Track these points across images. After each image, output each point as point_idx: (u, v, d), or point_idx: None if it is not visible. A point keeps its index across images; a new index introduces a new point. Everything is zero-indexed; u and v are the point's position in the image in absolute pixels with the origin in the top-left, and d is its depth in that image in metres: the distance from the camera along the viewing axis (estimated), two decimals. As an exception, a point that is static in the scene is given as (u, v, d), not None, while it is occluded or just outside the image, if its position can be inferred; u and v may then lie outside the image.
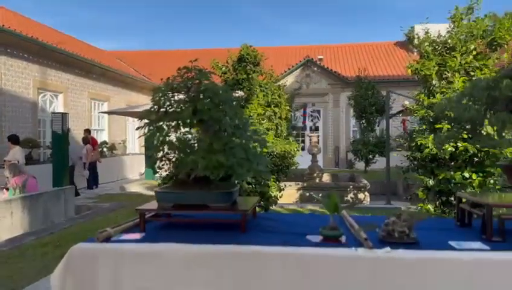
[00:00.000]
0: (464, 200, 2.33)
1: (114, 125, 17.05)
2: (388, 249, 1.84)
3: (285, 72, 18.85)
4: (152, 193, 9.43)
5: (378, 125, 15.63)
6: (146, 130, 2.21)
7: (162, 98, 2.10)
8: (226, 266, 1.92)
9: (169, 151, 2.21)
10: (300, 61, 19.53)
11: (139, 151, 18.70)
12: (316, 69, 19.81)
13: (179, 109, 2.14)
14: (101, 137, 16.13)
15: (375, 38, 44.85)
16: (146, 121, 2.19)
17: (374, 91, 14.39)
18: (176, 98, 2.13)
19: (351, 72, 20.04)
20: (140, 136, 2.24)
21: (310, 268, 1.85)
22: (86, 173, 11.95)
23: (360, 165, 15.72)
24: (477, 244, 1.92)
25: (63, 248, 5.18)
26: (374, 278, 1.80)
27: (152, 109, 2.18)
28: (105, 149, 15.36)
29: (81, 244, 2.07)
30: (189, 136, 2.27)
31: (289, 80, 17.48)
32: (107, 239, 2.10)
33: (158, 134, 2.14)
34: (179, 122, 2.08)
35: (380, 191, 10.93)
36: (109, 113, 13.92)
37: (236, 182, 2.44)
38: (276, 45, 25.91)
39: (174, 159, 2.31)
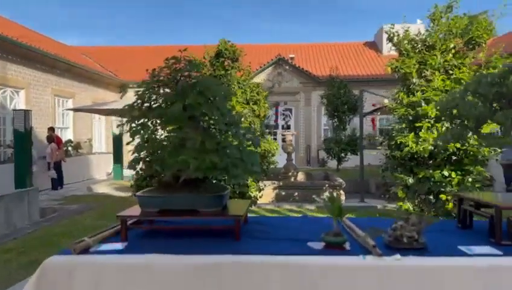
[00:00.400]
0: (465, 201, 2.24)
1: (79, 123, 16.36)
2: (398, 256, 1.71)
3: (257, 70, 18.70)
4: (122, 194, 9.07)
5: (348, 124, 15.74)
6: (128, 128, 1.99)
7: (147, 92, 1.88)
8: (223, 278, 1.73)
9: (154, 151, 2.00)
10: (272, 60, 19.44)
11: (106, 150, 18.08)
12: (287, 67, 19.78)
13: (165, 104, 1.94)
14: (66, 135, 15.45)
15: (343, 39, 45.42)
16: (128, 117, 1.96)
17: (346, 90, 14.47)
18: (162, 92, 1.91)
19: (322, 71, 20.16)
20: (124, 133, 2.01)
21: (315, 279, 1.69)
22: (53, 173, 11.38)
23: (332, 163, 15.80)
24: (487, 249, 1.82)
25: (28, 254, 4.81)
26: (384, 288, 1.66)
27: (135, 104, 1.95)
28: (70, 148, 14.71)
29: (56, 257, 1.82)
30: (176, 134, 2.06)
31: (261, 78, 17.35)
32: (85, 250, 1.86)
33: (142, 132, 1.92)
34: (167, 119, 1.86)
35: (353, 190, 10.96)
36: (75, 110, 13.32)
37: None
38: (246, 43, 25.73)
39: (155, 159, 2.10)
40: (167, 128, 1.92)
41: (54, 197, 9.93)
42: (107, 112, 12.12)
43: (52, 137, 11.64)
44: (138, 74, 22.01)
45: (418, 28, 5.71)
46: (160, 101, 1.92)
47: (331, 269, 1.70)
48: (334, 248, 1.84)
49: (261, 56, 21.55)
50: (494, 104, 1.94)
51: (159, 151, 2.01)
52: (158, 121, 1.91)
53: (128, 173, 14.62)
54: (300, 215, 6.90)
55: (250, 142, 2.05)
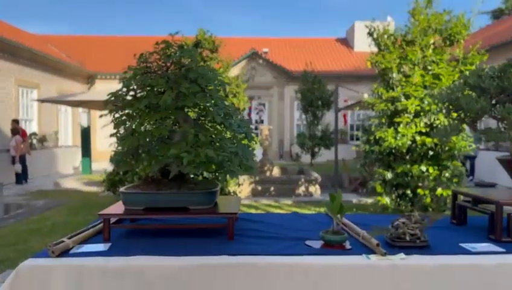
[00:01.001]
0: (460, 197, 2.20)
1: (45, 115, 15.69)
2: (402, 255, 1.64)
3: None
4: (92, 189, 8.75)
5: (321, 119, 15.83)
6: (112, 118, 1.82)
7: (135, 80, 1.72)
8: (217, 281, 1.61)
9: (140, 144, 1.84)
10: (246, 54, 19.28)
11: (73, 144, 17.46)
12: (261, 61, 19.69)
13: (153, 93, 1.78)
14: (30, 128, 14.78)
15: (315, 35, 45.75)
16: (112, 107, 1.80)
17: (320, 85, 14.52)
18: (150, 79, 1.76)
19: (295, 66, 20.18)
20: (105, 125, 1.85)
21: (317, 280, 1.59)
22: (18, 167, 10.85)
23: (305, 158, 15.87)
24: (489, 246, 1.78)
25: (-8, 254, 4.52)
26: (389, 288, 1.59)
27: (120, 92, 1.79)
28: (35, 141, 14.09)
29: (32, 260, 1.64)
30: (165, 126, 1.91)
31: (234, 72, 17.17)
32: (64, 252, 1.69)
33: (128, 123, 1.77)
34: (157, 109, 1.71)
35: (326, 184, 11.01)
36: (43, 101, 12.72)
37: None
38: (219, 36, 25.40)
39: (142, 153, 1.95)
40: (155, 120, 1.76)
41: (19, 192, 9.46)
42: (76, 103, 11.65)
43: (17, 129, 11.10)
44: (106, 65, 21.42)
45: (387, 25, 5.72)
46: (148, 89, 1.76)
47: (333, 269, 1.61)
48: (333, 247, 1.75)
49: (234, 50, 21.33)
50: (490, 97, 1.90)
51: (140, 144, 1.86)
52: (146, 112, 1.75)
53: (97, 167, 14.17)
54: (289, 212, 6.83)
55: (244, 135, 1.93)
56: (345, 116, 20.06)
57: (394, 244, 1.73)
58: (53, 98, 13.21)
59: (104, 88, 16.33)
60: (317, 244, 1.79)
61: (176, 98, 1.70)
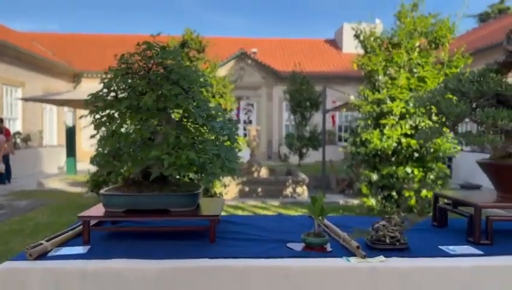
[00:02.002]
0: (441, 199, 2.23)
1: (29, 114, 15.47)
2: (382, 257, 1.65)
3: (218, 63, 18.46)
4: (76, 190, 8.64)
5: (309, 120, 15.90)
6: (92, 119, 1.80)
7: (115, 80, 1.70)
8: (199, 284, 1.60)
9: (121, 145, 1.82)
10: (235, 54, 19.26)
11: (58, 143, 17.24)
12: (249, 62, 19.70)
13: (134, 94, 1.77)
14: (14, 127, 14.55)
15: (303, 36, 45.91)
16: (92, 108, 1.78)
17: (308, 86, 14.58)
18: (131, 80, 1.74)
19: (284, 66, 20.23)
20: (85, 126, 1.83)
21: (297, 282, 1.60)
22: (1, 167, 10.66)
23: (293, 159, 15.91)
24: (468, 249, 1.80)
25: (-29, 256, 4.42)
26: (368, 290, 1.60)
27: (101, 94, 1.77)
28: (18, 140, 13.88)
29: (9, 263, 1.61)
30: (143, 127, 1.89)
31: (222, 72, 17.13)
32: (43, 255, 1.66)
33: (108, 124, 1.75)
34: (137, 110, 1.70)
35: (313, 185, 11.06)
36: (27, 100, 12.54)
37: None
38: (207, 36, 25.32)
39: (122, 154, 1.93)
40: (136, 121, 1.75)
41: (1, 192, 9.31)
42: (61, 102, 11.51)
43: (1, 128, 10.91)
44: (92, 64, 21.21)
45: (374, 27, 5.77)
46: (129, 90, 1.75)
47: (313, 271, 1.62)
48: (314, 250, 1.76)
49: (222, 50, 21.31)
50: (469, 101, 1.93)
51: (121, 146, 1.84)
52: (127, 113, 1.74)
53: (82, 167, 14.01)
54: (275, 213, 6.84)
55: (227, 137, 1.92)
56: (333, 117, 20.16)
57: (374, 247, 1.74)
58: (38, 97, 13.04)
59: (90, 87, 16.18)
60: (298, 246, 1.80)
61: (157, 99, 1.69)
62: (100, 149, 1.90)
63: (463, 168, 11.88)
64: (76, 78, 19.47)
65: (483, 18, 28.04)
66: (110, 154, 1.89)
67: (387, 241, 1.74)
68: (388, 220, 1.78)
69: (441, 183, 5.21)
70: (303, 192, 9.00)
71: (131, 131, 1.83)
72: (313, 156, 15.43)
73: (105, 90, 1.76)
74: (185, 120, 1.95)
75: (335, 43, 25.01)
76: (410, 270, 1.62)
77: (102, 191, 1.93)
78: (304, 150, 14.73)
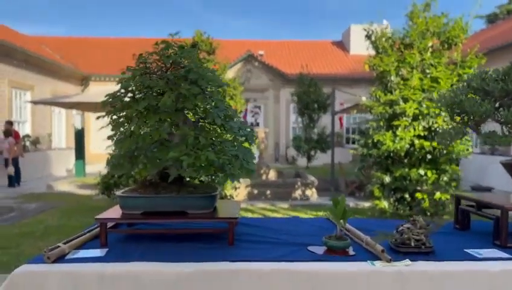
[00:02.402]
0: (463, 201, 2.17)
1: (38, 117, 15.55)
2: (408, 261, 1.60)
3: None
4: (86, 192, 8.64)
5: (317, 122, 15.82)
6: (110, 120, 1.78)
7: (134, 81, 1.67)
8: (219, 288, 1.56)
9: (138, 146, 1.79)
10: (242, 56, 19.25)
11: (66, 146, 17.32)
12: (256, 64, 19.67)
13: (152, 94, 1.73)
14: (23, 130, 14.64)
15: (309, 38, 45.89)
16: (110, 108, 1.75)
17: (316, 88, 14.52)
18: (149, 80, 1.71)
19: (291, 68, 20.19)
20: (102, 127, 1.80)
21: (320, 287, 1.55)
22: (11, 170, 10.74)
23: (301, 161, 15.84)
24: (495, 252, 1.75)
25: (-17, 258, 4.42)
26: (394, 296, 1.55)
27: (119, 94, 1.74)
28: (28, 143, 13.95)
29: (27, 266, 1.58)
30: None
31: (230, 75, 17.14)
32: (60, 258, 1.63)
33: (127, 125, 1.72)
34: (156, 111, 1.67)
35: (322, 188, 10.99)
36: (37, 103, 12.62)
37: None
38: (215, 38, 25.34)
39: (139, 156, 1.90)
40: (153, 122, 1.71)
41: (11, 195, 9.34)
42: (70, 105, 11.56)
43: (10, 131, 10.97)
44: (101, 67, 21.28)
45: (385, 27, 5.71)
46: (147, 91, 1.72)
47: (337, 275, 1.57)
48: (336, 253, 1.71)
49: (229, 52, 21.32)
50: (493, 100, 1.88)
51: (139, 146, 1.81)
52: (145, 114, 1.70)
53: (91, 170, 14.06)
54: (289, 216, 6.80)
55: (245, 138, 1.88)
56: (341, 119, 20.06)
57: (399, 250, 1.69)
58: (46, 99, 13.11)
59: (98, 90, 16.24)
60: (320, 250, 1.75)
61: (175, 99, 1.65)
62: (116, 150, 1.87)
63: (470, 170, 11.74)
64: (84, 81, 19.57)
65: (492, 19, 27.82)
66: (127, 155, 1.86)
67: (412, 244, 1.69)
68: (413, 222, 1.73)
69: (454, 185, 5.13)
70: (312, 194, 8.93)
71: (148, 132, 1.80)
72: (321, 159, 15.36)
73: (122, 90, 1.73)
74: (201, 121, 1.92)
75: (342, 45, 24.91)
76: (437, 275, 1.56)
77: (119, 192, 1.90)
78: (312, 153, 14.64)
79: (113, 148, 1.90)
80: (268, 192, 8.73)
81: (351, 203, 8.19)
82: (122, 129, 1.73)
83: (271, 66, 19.69)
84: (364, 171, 10.61)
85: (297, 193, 8.81)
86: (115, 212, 1.91)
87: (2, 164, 11.07)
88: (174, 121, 1.89)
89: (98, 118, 1.79)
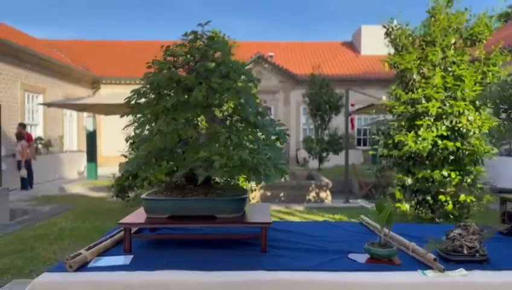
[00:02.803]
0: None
1: (50, 119, 15.59)
2: (463, 271, 1.46)
3: (237, 67, 18.34)
4: (98, 195, 8.54)
5: (329, 123, 15.62)
6: (134, 118, 1.66)
7: (161, 75, 1.55)
8: (255, 300, 1.43)
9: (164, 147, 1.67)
10: (252, 57, 19.13)
11: (78, 148, 17.35)
12: (266, 65, 19.53)
13: (179, 90, 1.61)
14: (36, 132, 14.68)
15: (316, 39, 45.62)
16: (135, 105, 1.63)
17: (328, 88, 14.33)
18: (177, 74, 1.59)
19: (301, 69, 20.04)
20: (126, 126, 1.68)
21: (367, 299, 1.41)
22: (24, 172, 10.73)
23: (312, 163, 15.65)
24: (554, 260, 1.59)
25: (-2, 262, 4.35)
26: (449, 309, 1.40)
27: (144, 90, 1.62)
28: (40, 146, 13.97)
29: (48, 274, 1.47)
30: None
31: (241, 76, 17.00)
32: (83, 266, 1.52)
33: (154, 123, 1.60)
34: (185, 107, 1.54)
35: (335, 189, 10.81)
36: (50, 105, 12.62)
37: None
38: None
39: (165, 156, 1.78)
40: (182, 119, 1.59)
41: (24, 197, 9.32)
42: (81, 107, 11.54)
43: (22, 134, 10.97)
44: (112, 70, 21.32)
45: (406, 24, 5.52)
46: (175, 86, 1.59)
47: (384, 287, 1.43)
48: (381, 262, 1.57)
49: (238, 54, 21.21)
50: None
51: (167, 146, 1.69)
52: (173, 111, 1.58)
53: (103, 172, 14.03)
54: (302, 219, 6.65)
55: (276, 137, 1.75)
56: (352, 120, 19.82)
57: (450, 259, 1.55)
58: (58, 102, 13.12)
59: (110, 93, 16.22)
60: (362, 258, 1.61)
61: (206, 94, 1.53)
62: (139, 150, 1.75)
63: (488, 171, 11.44)
64: (95, 84, 19.61)
65: (505, 19, 27.38)
66: (152, 154, 1.74)
67: (465, 252, 1.54)
68: (464, 228, 1.59)
69: (480, 187, 4.94)
70: (327, 197, 8.76)
71: (174, 129, 1.67)
72: (333, 160, 15.15)
73: (147, 86, 1.61)
74: (229, 118, 1.79)
75: (352, 46, 24.69)
76: (497, 286, 1.42)
77: (144, 195, 1.78)
78: (324, 154, 14.45)
79: (135, 148, 1.79)
80: (281, 194, 8.58)
81: (368, 205, 8.01)
82: (148, 127, 1.61)
83: (281, 68, 19.54)
84: (380, 172, 10.40)
85: (312, 195, 8.65)
86: (138, 216, 1.79)
87: (14, 166, 11.07)
88: (201, 118, 1.78)
89: (122, 116, 1.67)
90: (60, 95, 16.14)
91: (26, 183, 11.01)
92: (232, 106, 1.65)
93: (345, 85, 16.56)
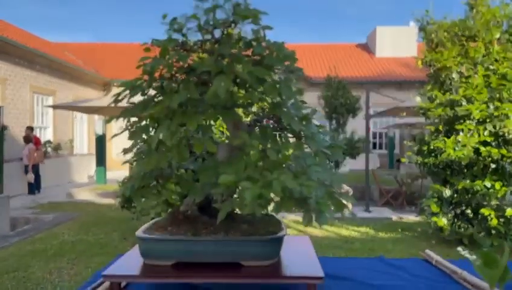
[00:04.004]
0: None
1: (60, 122, 15.29)
2: None
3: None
4: (106, 201, 8.08)
5: (345, 126, 15.04)
6: (127, 124, 1.17)
7: (165, 60, 1.05)
8: None
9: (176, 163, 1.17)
10: (265, 59, 18.68)
11: (88, 152, 17.05)
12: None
13: (193, 80, 1.11)
14: (45, 135, 14.38)
15: (329, 41, 45.04)
16: (129, 105, 1.14)
17: (344, 91, 13.77)
18: (187, 57, 1.10)
19: (315, 72, 19.52)
20: (115, 135, 1.20)
21: None
22: (31, 177, 10.39)
23: (328, 167, 15.08)
24: None
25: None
26: None
27: (139, 82, 1.13)
28: (49, 149, 13.66)
29: None
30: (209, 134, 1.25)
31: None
32: None
33: (154, 130, 1.10)
34: (201, 108, 1.04)
35: (354, 196, 10.22)
36: (58, 107, 12.31)
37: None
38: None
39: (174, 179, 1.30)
40: (195, 126, 1.08)
41: (29, 203, 8.93)
42: (91, 109, 11.18)
43: (30, 137, 10.64)
44: (123, 72, 21.09)
45: (445, 17, 4.98)
46: (185, 77, 1.09)
47: None
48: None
49: (252, 55, 20.73)
50: None
51: (172, 164, 1.20)
52: (180, 113, 1.08)
53: (112, 176, 13.66)
54: (325, 232, 6.07)
55: (331, 152, 1.24)
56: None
57: None
58: (66, 104, 12.80)
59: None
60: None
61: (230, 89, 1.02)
62: (134, 170, 1.26)
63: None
64: (106, 86, 19.32)
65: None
66: (152, 176, 1.25)
67: None
68: None
69: (532, 200, 4.37)
70: (348, 205, 8.19)
71: (181, 141, 1.17)
72: (348, 165, 14.56)
73: (145, 76, 1.12)
74: (258, 124, 1.29)
75: (367, 48, 24.05)
76: None
77: (138, 232, 1.28)
78: (340, 158, 13.87)
79: (134, 164, 1.30)
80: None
81: (393, 216, 7.42)
82: (145, 137, 1.11)
83: (295, 69, 19.02)
84: (404, 180, 9.81)
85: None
86: (132, 261, 1.29)
87: (22, 170, 10.74)
88: (218, 123, 1.27)
89: (108, 121, 1.18)
90: (70, 97, 15.84)
91: (34, 188, 10.67)
92: (268, 106, 1.14)
93: (360, 87, 16.01)
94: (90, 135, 17.31)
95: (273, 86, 1.06)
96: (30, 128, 11.27)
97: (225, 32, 1.06)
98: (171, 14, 1.10)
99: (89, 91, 17.98)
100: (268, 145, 1.09)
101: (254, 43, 1.07)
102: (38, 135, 12.74)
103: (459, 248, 1.39)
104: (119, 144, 18.20)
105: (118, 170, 15.54)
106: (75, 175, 14.79)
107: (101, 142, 13.38)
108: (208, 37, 1.07)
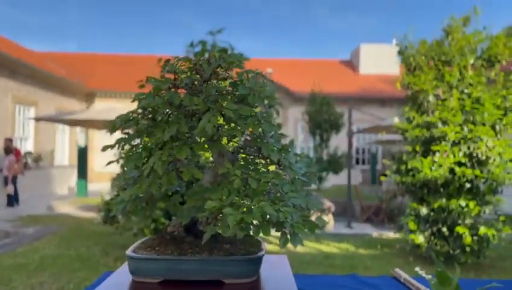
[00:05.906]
0: None
1: (41, 133, 15.14)
2: None
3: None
4: (87, 215, 8.06)
5: (328, 142, 15.29)
6: (121, 151, 1.27)
7: (159, 98, 1.17)
8: None
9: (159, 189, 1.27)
10: (250, 74, 18.90)
11: (69, 163, 16.87)
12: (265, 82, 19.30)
13: (179, 116, 1.22)
14: (26, 146, 14.21)
15: (314, 57, 45.81)
16: (123, 135, 1.25)
17: (328, 107, 14.05)
18: (179, 97, 1.21)
19: (298, 87, 19.85)
20: (106, 147, 1.30)
21: None
22: (11, 188, 10.25)
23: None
24: None
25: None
26: None
27: (133, 116, 1.23)
28: (29, 160, 13.49)
29: None
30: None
31: (239, 93, 16.72)
32: None
33: (146, 159, 1.21)
34: (190, 141, 1.16)
35: (335, 212, 10.41)
36: (40, 119, 12.21)
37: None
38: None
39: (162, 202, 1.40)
40: (185, 155, 1.19)
41: (8, 216, 8.80)
42: (73, 122, 11.15)
43: (11, 148, 10.52)
44: (106, 83, 21.06)
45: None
46: (177, 112, 1.21)
47: None
48: None
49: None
50: None
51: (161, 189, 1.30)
52: (171, 144, 1.19)
53: (93, 188, 13.56)
54: (308, 250, 6.16)
55: (305, 180, 1.37)
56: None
57: None
58: (48, 116, 12.71)
59: (103, 107, 15.84)
60: None
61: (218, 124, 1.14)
62: (126, 194, 1.35)
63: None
64: (89, 97, 19.22)
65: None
66: (143, 200, 1.35)
67: None
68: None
69: (502, 219, 4.57)
70: (329, 221, 8.33)
71: (174, 170, 1.28)
72: (331, 180, 14.79)
73: (140, 110, 1.22)
74: (241, 152, 1.40)
75: (351, 64, 24.60)
76: None
77: (129, 250, 1.36)
78: (323, 174, 14.08)
79: (126, 190, 1.40)
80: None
81: (373, 232, 7.59)
82: (138, 165, 1.21)
83: (280, 85, 19.31)
84: (387, 197, 10.02)
85: (312, 219, 8.21)
86: (119, 279, 1.37)
87: (1, 182, 10.60)
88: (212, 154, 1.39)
89: (104, 149, 1.28)
90: (52, 108, 15.73)
91: (13, 200, 10.51)
92: (248, 137, 1.26)
93: (343, 104, 16.32)
94: (72, 146, 17.16)
95: (255, 121, 1.18)
96: (9, 140, 11.15)
97: (212, 74, 1.18)
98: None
99: (72, 101, 17.88)
100: (250, 174, 1.20)
101: (239, 84, 1.19)
102: (18, 146, 12.61)
103: (417, 268, 1.53)
104: (100, 156, 18.05)
105: (99, 182, 15.42)
106: (55, 187, 14.61)
107: (82, 155, 13.28)
108: (197, 77, 1.19)
